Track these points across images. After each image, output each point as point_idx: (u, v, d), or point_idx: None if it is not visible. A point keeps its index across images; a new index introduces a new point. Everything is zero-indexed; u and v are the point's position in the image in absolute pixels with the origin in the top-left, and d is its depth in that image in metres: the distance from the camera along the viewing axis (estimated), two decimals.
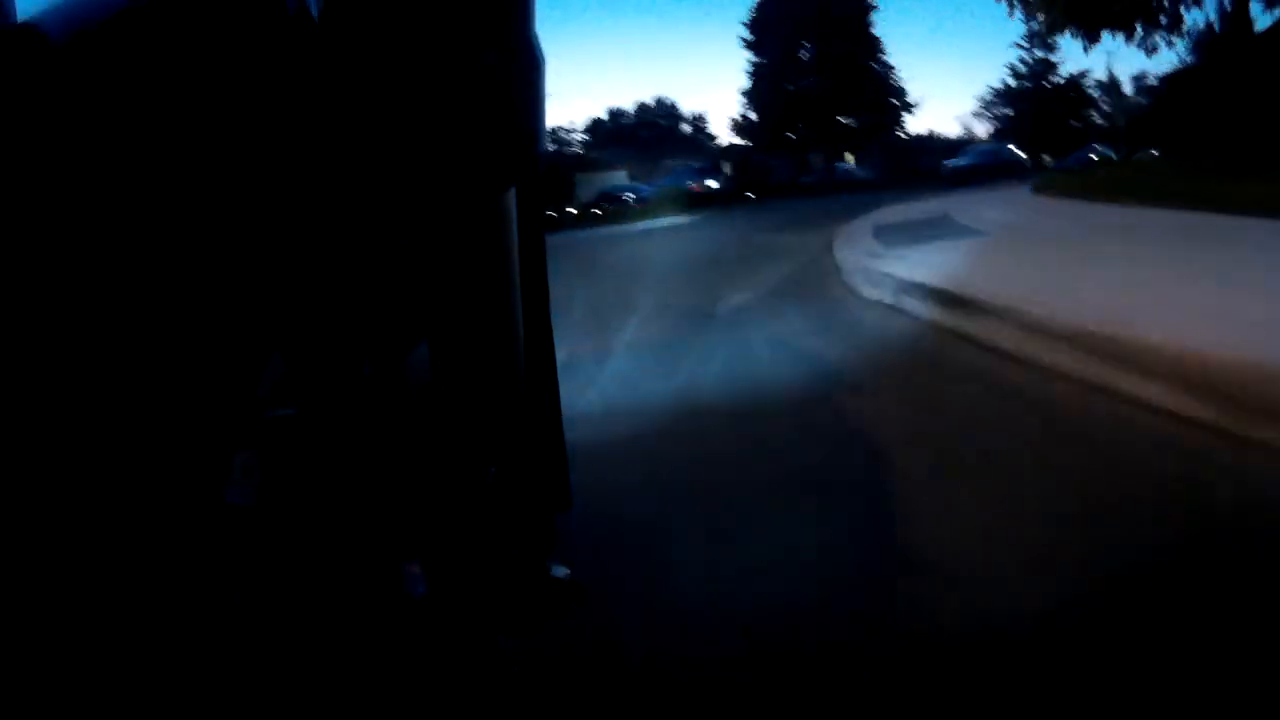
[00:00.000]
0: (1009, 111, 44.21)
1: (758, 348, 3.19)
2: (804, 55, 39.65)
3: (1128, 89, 41.72)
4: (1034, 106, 41.57)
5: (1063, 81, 43.01)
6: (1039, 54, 43.32)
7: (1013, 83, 44.03)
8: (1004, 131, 40.68)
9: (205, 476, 0.55)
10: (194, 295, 0.53)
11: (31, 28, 0.57)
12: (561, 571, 0.90)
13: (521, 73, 0.59)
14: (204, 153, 0.54)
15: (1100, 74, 40.67)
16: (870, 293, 4.17)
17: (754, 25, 40.02)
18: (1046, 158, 29.49)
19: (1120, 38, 16.40)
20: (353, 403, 0.68)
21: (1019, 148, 26.80)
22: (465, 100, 0.56)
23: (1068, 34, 15.75)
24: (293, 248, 0.59)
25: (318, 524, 0.66)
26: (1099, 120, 43.19)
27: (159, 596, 0.52)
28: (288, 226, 0.58)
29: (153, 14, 0.57)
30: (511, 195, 0.71)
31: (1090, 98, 42.83)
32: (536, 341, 0.82)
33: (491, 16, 0.56)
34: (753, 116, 39.33)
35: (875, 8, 39.39)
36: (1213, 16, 15.35)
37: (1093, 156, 29.94)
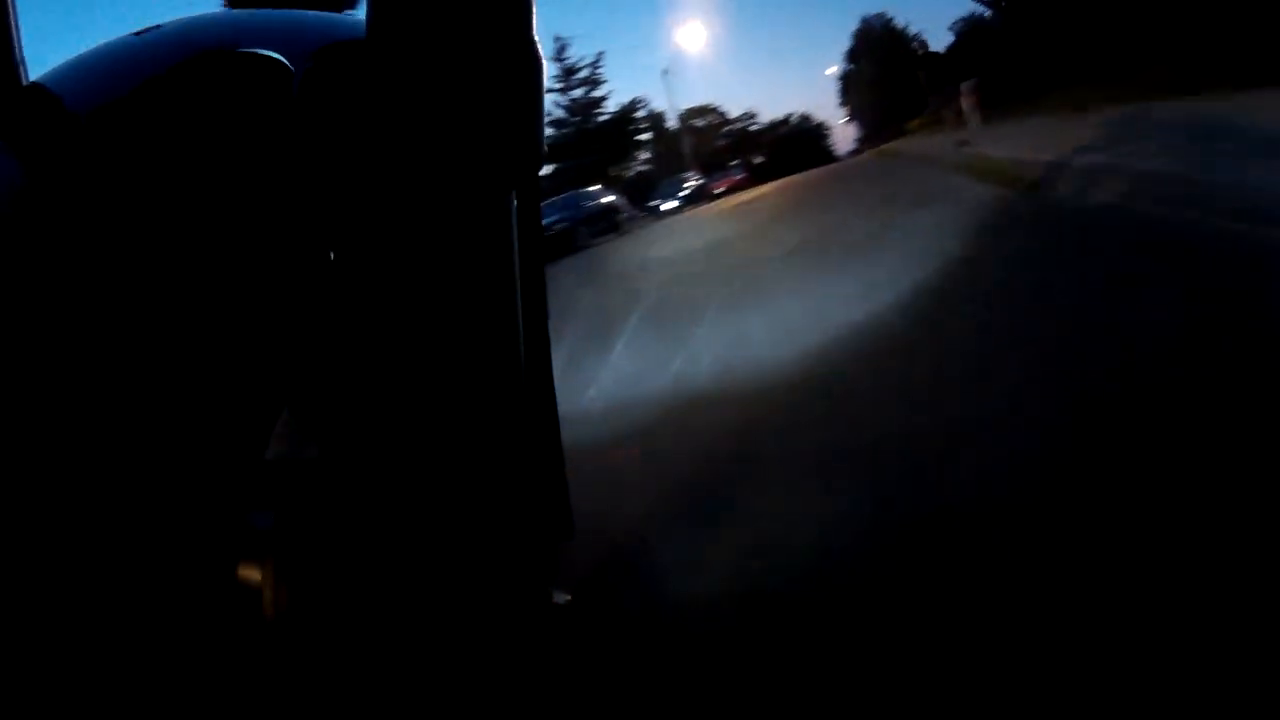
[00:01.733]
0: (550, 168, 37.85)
1: None
2: None
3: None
4: (582, 151, 35.08)
5: (611, 116, 37.87)
6: (577, 94, 37.24)
7: (552, 133, 37.63)
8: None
9: (225, 500, 0.57)
10: (207, 337, 0.56)
11: (42, 88, 0.60)
12: (563, 598, 0.94)
13: (522, 74, 0.60)
14: (217, 198, 0.57)
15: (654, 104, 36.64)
16: None
17: None
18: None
19: None
20: (376, 445, 0.68)
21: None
22: (471, 104, 0.58)
23: None
24: (302, 285, 0.61)
25: (340, 563, 0.67)
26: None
27: (183, 620, 0.54)
28: (298, 265, 0.60)
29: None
30: (510, 212, 0.72)
31: (642, 128, 38.19)
32: (537, 365, 0.82)
33: (492, 18, 0.58)
34: None
35: None
36: None
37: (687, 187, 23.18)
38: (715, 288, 4.25)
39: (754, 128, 42.75)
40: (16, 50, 0.60)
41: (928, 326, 2.35)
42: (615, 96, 47.74)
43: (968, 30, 25.95)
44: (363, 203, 0.60)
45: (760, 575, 1.13)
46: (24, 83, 0.60)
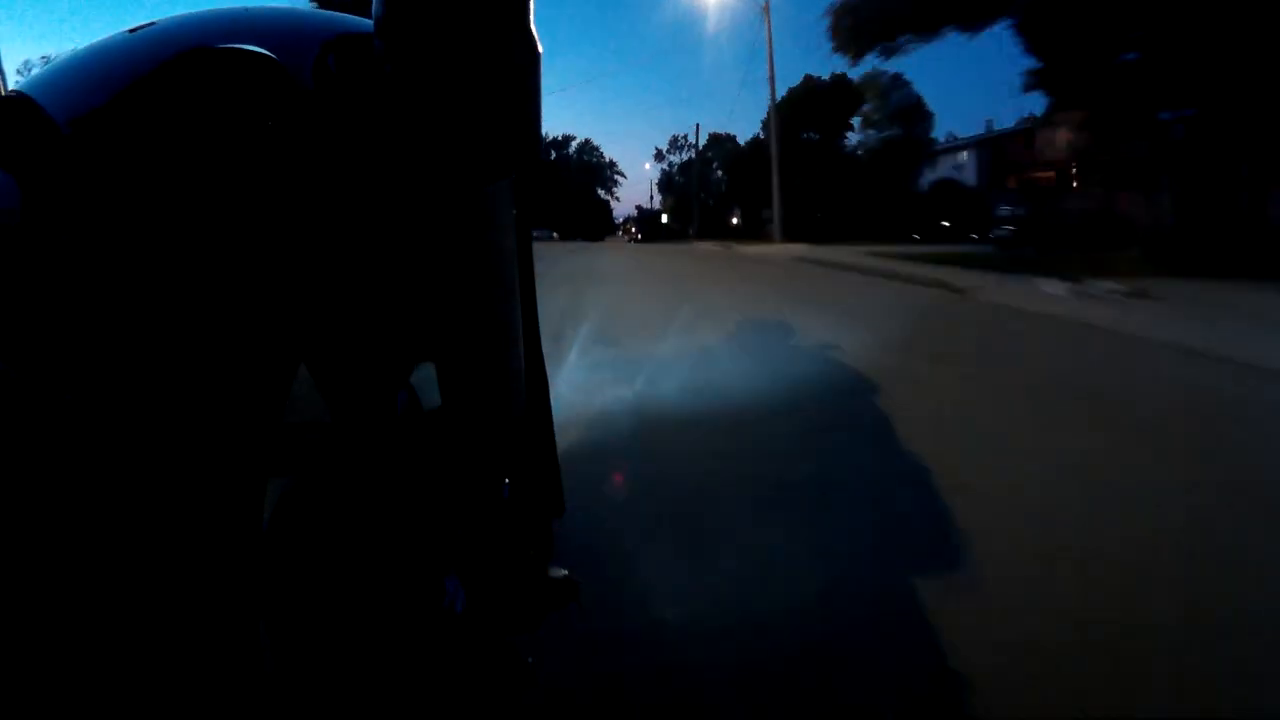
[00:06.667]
0: None
1: None
2: None
3: None
4: None
5: None
6: None
7: None
8: None
9: (241, 499, 0.55)
10: (215, 307, 0.54)
11: (24, 97, 0.58)
12: (559, 572, 0.95)
13: (520, 63, 0.60)
14: (222, 175, 0.56)
15: None
16: None
17: None
18: None
19: None
20: (388, 421, 0.69)
21: None
22: (469, 91, 0.58)
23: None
24: (310, 254, 0.61)
25: (360, 544, 0.67)
26: None
27: (195, 616, 0.52)
28: (303, 233, 0.60)
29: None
30: (509, 197, 0.73)
31: None
32: (529, 343, 0.84)
33: (493, 8, 0.58)
34: None
35: None
36: None
37: None
38: None
39: None
40: None
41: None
42: None
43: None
44: (371, 188, 0.61)
45: None
46: (4, 91, 0.58)
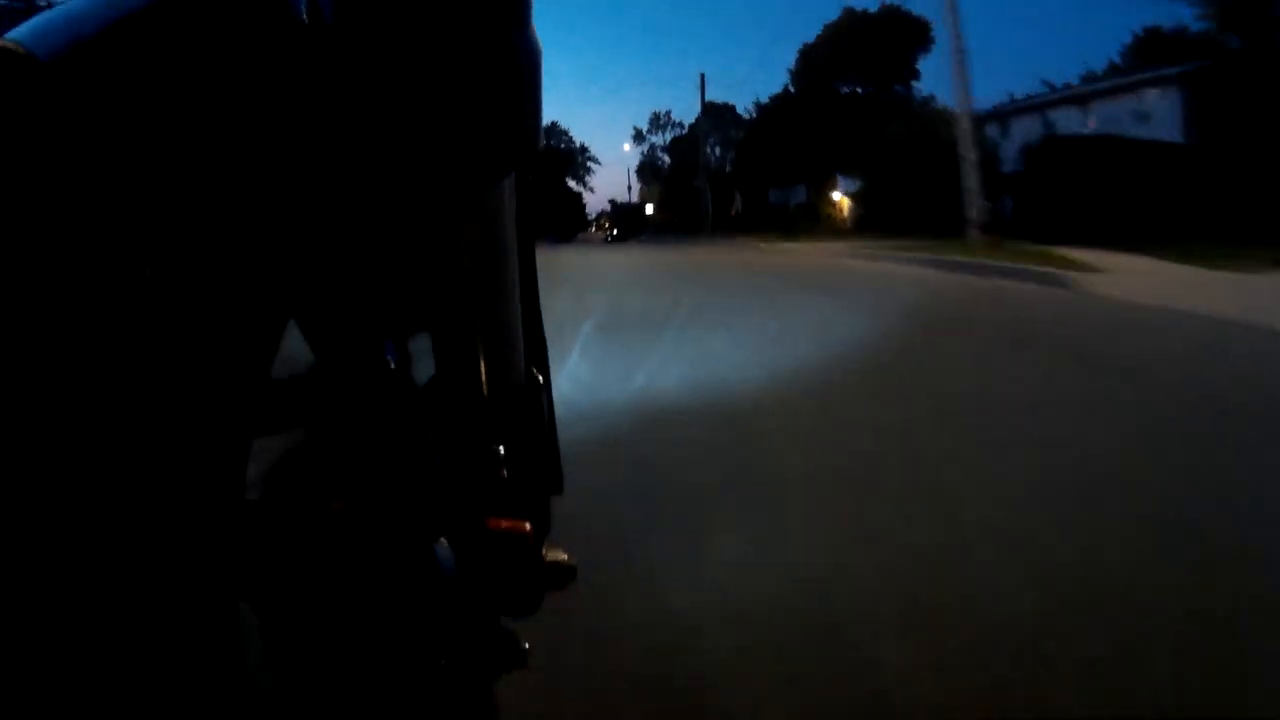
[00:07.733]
0: None
1: None
2: None
3: None
4: None
5: None
6: None
7: None
8: None
9: (223, 468, 0.52)
10: (204, 279, 0.50)
11: (11, 46, 0.53)
12: (557, 554, 0.92)
13: (519, 60, 0.60)
14: (208, 148, 0.52)
15: None
16: None
17: None
18: None
19: None
20: (379, 390, 0.68)
21: None
22: (468, 87, 0.57)
23: None
24: (305, 203, 0.58)
25: (349, 513, 0.66)
26: None
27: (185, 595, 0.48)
28: (298, 180, 0.57)
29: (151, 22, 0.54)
30: (510, 179, 0.74)
31: None
32: (529, 323, 0.85)
33: (491, 6, 0.57)
34: None
35: None
36: None
37: None
38: None
39: None
40: None
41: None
42: None
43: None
44: (371, 145, 0.59)
45: None
46: None
